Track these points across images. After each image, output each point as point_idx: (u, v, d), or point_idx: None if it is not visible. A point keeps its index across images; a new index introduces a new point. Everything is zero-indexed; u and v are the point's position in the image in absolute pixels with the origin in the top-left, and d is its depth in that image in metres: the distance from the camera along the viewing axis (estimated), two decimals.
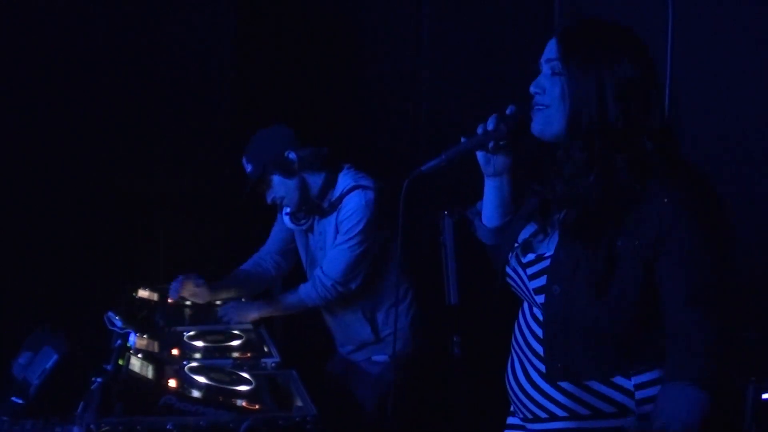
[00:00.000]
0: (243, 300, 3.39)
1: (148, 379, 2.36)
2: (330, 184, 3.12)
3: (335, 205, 3.08)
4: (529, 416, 1.96)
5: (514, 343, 2.02)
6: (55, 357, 2.47)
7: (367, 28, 4.56)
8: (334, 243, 3.08)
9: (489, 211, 2.06)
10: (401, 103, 4.65)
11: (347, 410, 3.10)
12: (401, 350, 3.14)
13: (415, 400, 3.18)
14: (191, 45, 4.12)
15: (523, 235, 1.97)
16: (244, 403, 2.23)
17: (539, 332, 1.92)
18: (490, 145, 1.94)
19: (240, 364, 2.64)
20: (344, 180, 3.11)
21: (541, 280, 1.89)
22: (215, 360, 2.69)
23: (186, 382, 2.31)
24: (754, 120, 3.84)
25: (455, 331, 2.99)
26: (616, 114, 1.77)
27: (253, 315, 3.16)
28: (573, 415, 1.88)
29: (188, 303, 3.46)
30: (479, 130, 1.93)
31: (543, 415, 1.92)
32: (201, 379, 2.32)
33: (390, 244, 3.11)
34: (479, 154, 1.98)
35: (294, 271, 3.50)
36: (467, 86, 4.63)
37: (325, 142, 3.21)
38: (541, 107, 1.86)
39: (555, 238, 1.89)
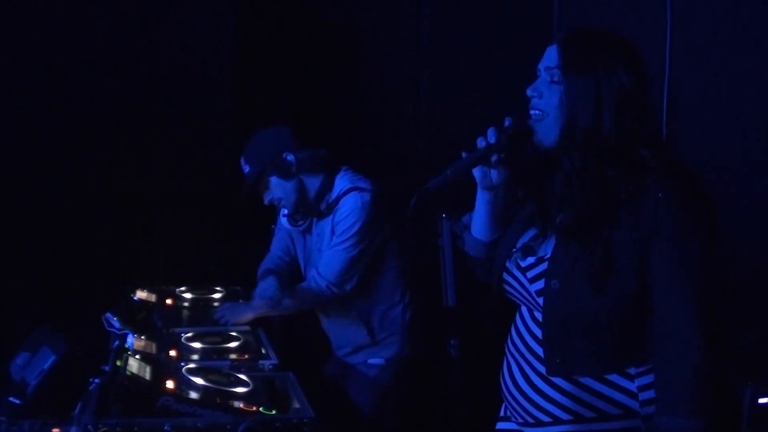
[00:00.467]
0: (240, 301, 3.39)
1: (145, 380, 2.36)
2: (327, 186, 3.12)
3: (332, 207, 3.08)
4: (530, 420, 1.96)
5: (511, 347, 2.03)
6: (53, 357, 2.47)
7: (366, 29, 4.56)
8: (330, 244, 3.08)
9: (481, 224, 2.04)
10: (401, 104, 4.65)
11: (344, 413, 3.11)
12: (398, 353, 3.14)
13: (412, 403, 3.18)
14: (191, 45, 4.13)
15: (522, 240, 1.98)
16: (241, 405, 2.23)
17: (540, 334, 1.93)
18: (494, 158, 1.92)
19: (238, 366, 2.65)
20: (341, 182, 3.11)
21: (542, 282, 1.90)
22: (213, 361, 2.70)
23: (183, 384, 2.32)
24: (753, 120, 3.84)
25: (453, 333, 2.98)
26: (612, 125, 1.81)
27: (249, 316, 3.16)
28: (577, 418, 1.89)
29: (186, 304, 3.47)
30: (480, 143, 1.91)
31: (546, 418, 1.93)
32: (199, 381, 2.33)
33: (386, 247, 3.11)
34: (477, 168, 1.96)
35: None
36: (466, 87, 4.63)
37: (324, 142, 3.21)
38: (537, 113, 1.87)
39: (553, 240, 1.91)
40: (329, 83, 4.40)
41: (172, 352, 2.76)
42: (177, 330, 3.04)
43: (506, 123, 1.90)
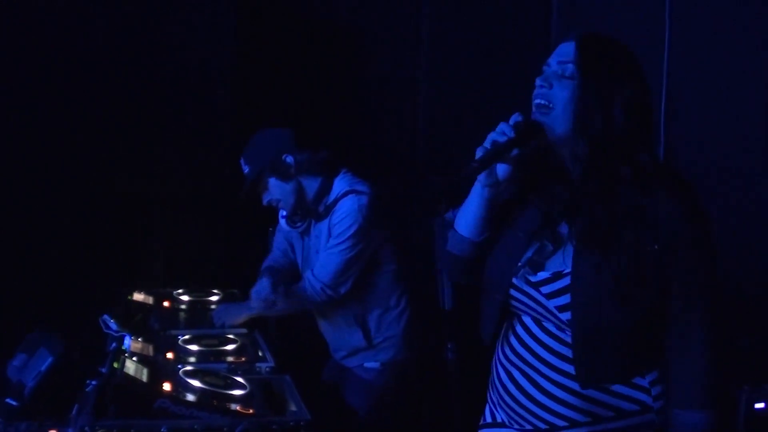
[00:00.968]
0: (237, 302, 3.39)
1: (142, 382, 2.37)
2: (326, 188, 3.12)
3: (330, 209, 3.09)
4: (543, 426, 1.97)
5: (512, 357, 2.02)
6: (50, 359, 2.48)
7: (366, 30, 4.56)
8: (326, 246, 3.09)
9: (474, 222, 1.98)
10: (400, 105, 4.66)
11: (341, 416, 3.11)
12: (395, 357, 3.14)
13: (409, 406, 3.19)
14: (191, 47, 4.13)
15: (527, 254, 1.95)
16: (238, 408, 2.24)
17: (554, 345, 1.94)
18: (514, 152, 1.88)
19: (234, 369, 2.65)
20: (340, 184, 3.11)
21: (565, 298, 1.89)
22: (210, 364, 2.70)
23: (180, 386, 2.32)
24: (750, 124, 3.84)
25: (449, 337, 2.99)
26: (622, 127, 1.84)
27: (243, 316, 3.17)
28: (595, 419, 1.93)
29: (183, 307, 3.48)
30: (499, 138, 1.86)
31: (561, 423, 1.95)
32: (195, 383, 2.33)
33: (382, 250, 3.11)
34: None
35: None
36: (466, 88, 4.64)
37: (323, 143, 3.21)
38: (544, 103, 1.87)
39: (569, 253, 1.90)
40: (329, 84, 4.40)
41: (169, 355, 2.76)
42: (174, 332, 3.04)
43: (517, 118, 1.87)
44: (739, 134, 3.83)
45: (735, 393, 2.94)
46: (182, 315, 3.39)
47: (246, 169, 3.14)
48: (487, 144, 1.85)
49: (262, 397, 2.36)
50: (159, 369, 2.49)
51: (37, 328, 2.67)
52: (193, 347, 2.86)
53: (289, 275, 3.29)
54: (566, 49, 1.89)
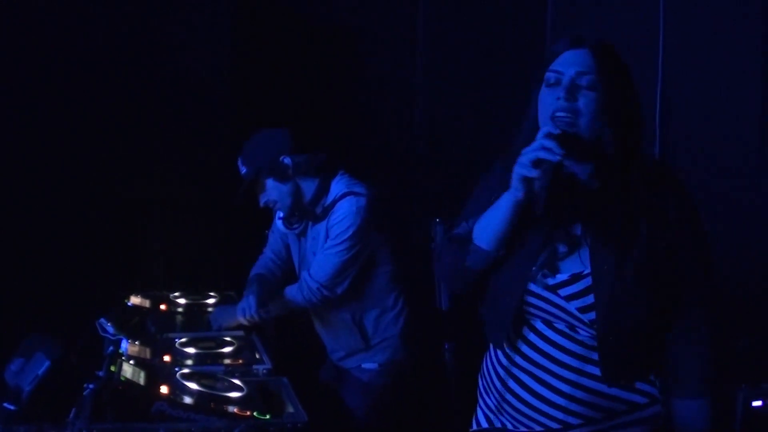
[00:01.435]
0: (234, 304, 3.39)
1: (140, 385, 2.37)
2: (323, 190, 3.12)
3: (328, 211, 3.08)
4: (555, 426, 1.99)
5: (521, 361, 2.03)
6: (47, 363, 2.48)
7: (364, 32, 4.57)
8: (323, 247, 3.09)
9: (497, 236, 1.93)
10: (397, 106, 4.67)
11: (338, 417, 3.11)
12: (392, 358, 3.15)
13: (406, 407, 3.19)
14: (189, 49, 4.13)
15: (540, 259, 1.95)
16: (235, 410, 2.24)
17: (566, 344, 1.96)
18: (566, 163, 1.88)
19: (232, 371, 2.65)
20: (337, 186, 3.11)
21: (588, 299, 1.91)
22: (207, 366, 2.70)
23: (178, 389, 2.32)
24: (745, 124, 3.85)
25: (447, 338, 2.99)
26: (635, 128, 1.91)
27: (239, 320, 3.16)
28: (609, 415, 1.99)
29: (180, 310, 3.47)
30: (552, 158, 1.80)
31: (575, 421, 1.98)
32: (193, 386, 2.33)
33: (379, 251, 3.11)
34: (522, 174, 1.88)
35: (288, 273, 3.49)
36: (463, 89, 4.65)
37: (321, 144, 3.21)
38: (569, 117, 1.85)
39: (585, 254, 1.92)
40: (326, 85, 4.41)
41: (166, 358, 2.76)
42: (171, 335, 3.04)
43: (554, 131, 1.83)
44: (734, 133, 3.84)
45: (733, 391, 2.95)
46: (179, 318, 3.38)
47: (243, 170, 3.13)
48: (526, 161, 1.82)
49: (260, 399, 2.36)
50: (156, 372, 2.49)
51: (34, 331, 2.67)
52: (190, 350, 2.86)
53: (276, 283, 3.29)
54: (581, 59, 1.87)
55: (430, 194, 4.32)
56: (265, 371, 2.68)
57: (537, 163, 1.81)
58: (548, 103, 1.88)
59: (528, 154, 1.82)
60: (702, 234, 1.96)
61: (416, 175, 4.54)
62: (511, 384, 2.04)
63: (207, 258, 4.16)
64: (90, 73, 3.96)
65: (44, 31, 3.91)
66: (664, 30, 3.88)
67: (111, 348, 2.80)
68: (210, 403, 2.26)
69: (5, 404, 2.40)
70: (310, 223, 3.18)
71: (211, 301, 3.58)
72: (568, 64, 1.87)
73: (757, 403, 2.97)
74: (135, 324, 3.12)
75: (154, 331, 3.08)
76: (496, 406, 2.10)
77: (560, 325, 1.97)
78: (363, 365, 3.16)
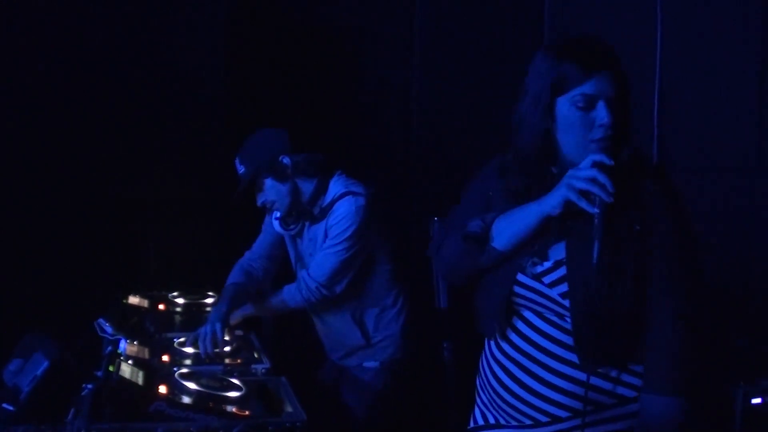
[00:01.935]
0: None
1: (138, 385, 2.37)
2: (321, 190, 3.12)
3: (326, 211, 3.08)
4: (544, 419, 1.99)
5: (512, 352, 2.04)
6: (45, 363, 2.48)
7: (360, 32, 4.57)
8: (322, 246, 3.08)
9: (517, 241, 1.96)
10: (394, 107, 4.66)
11: (337, 416, 3.10)
12: (394, 356, 3.15)
13: (406, 406, 3.19)
14: (185, 48, 4.12)
15: (535, 248, 1.98)
16: (234, 409, 2.24)
17: (555, 333, 1.97)
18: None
19: (230, 370, 2.65)
20: (335, 186, 3.11)
21: (565, 286, 1.93)
22: (205, 366, 2.70)
23: (176, 389, 2.32)
24: (742, 122, 3.86)
25: (446, 336, 2.99)
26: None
27: (238, 318, 3.16)
28: (598, 407, 1.98)
29: (178, 309, 3.47)
30: (607, 199, 1.84)
31: (563, 413, 1.98)
32: (191, 385, 2.33)
33: (378, 250, 3.11)
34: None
35: (286, 272, 3.48)
36: (459, 90, 4.65)
37: (318, 144, 3.21)
38: (609, 143, 1.90)
39: (563, 243, 1.95)
40: (323, 85, 4.40)
41: (165, 357, 2.76)
42: (169, 335, 3.04)
43: (606, 160, 1.87)
44: (731, 131, 3.85)
45: (731, 389, 2.96)
46: (177, 318, 3.38)
47: (241, 170, 3.13)
48: (577, 186, 1.85)
49: (258, 399, 2.36)
50: (155, 372, 2.49)
51: (33, 332, 2.67)
52: (189, 350, 2.86)
53: (256, 285, 3.29)
54: (604, 84, 1.89)
55: (428, 194, 4.33)
56: (263, 371, 2.68)
57: (585, 193, 1.85)
58: (581, 124, 1.90)
59: (580, 181, 1.85)
60: (684, 230, 1.94)
61: (414, 175, 4.54)
62: (502, 375, 2.06)
63: (205, 258, 4.15)
64: (86, 73, 3.95)
65: (39, 32, 3.89)
66: (661, 29, 3.89)
67: (109, 348, 2.80)
68: (209, 402, 2.26)
69: (4, 405, 2.40)
70: (307, 225, 3.18)
71: (209, 300, 3.58)
72: (596, 88, 1.89)
73: (756, 401, 2.98)
74: (133, 324, 3.12)
75: (152, 331, 3.08)
76: (489, 401, 2.12)
77: (550, 315, 1.98)
78: (364, 364, 3.16)
